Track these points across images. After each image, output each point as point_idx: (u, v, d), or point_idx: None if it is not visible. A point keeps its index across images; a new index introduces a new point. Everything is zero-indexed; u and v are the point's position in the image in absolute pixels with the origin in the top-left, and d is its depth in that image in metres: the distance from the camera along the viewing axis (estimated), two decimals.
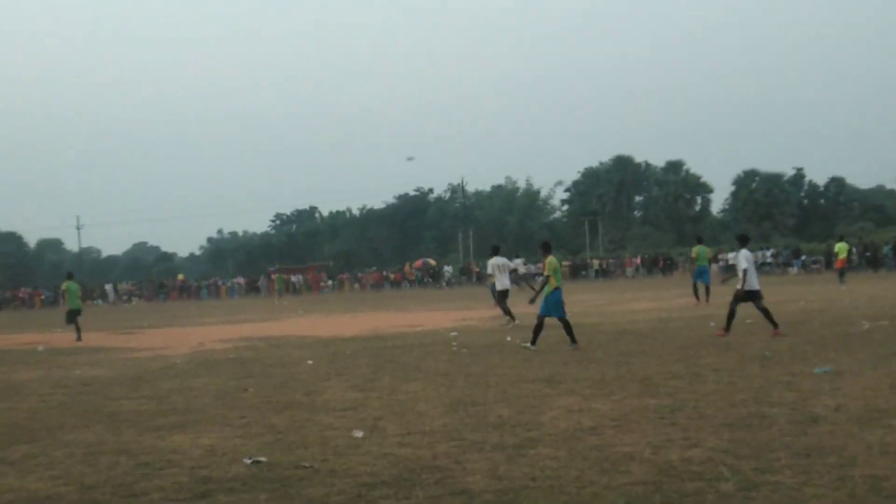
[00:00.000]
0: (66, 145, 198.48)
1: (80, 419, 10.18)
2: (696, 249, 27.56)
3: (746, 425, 7.89)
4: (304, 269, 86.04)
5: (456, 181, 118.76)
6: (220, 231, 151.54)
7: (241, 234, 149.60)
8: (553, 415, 8.86)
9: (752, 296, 16.41)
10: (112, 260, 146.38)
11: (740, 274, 16.45)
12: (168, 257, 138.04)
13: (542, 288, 16.08)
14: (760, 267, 64.00)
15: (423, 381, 12.07)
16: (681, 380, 10.87)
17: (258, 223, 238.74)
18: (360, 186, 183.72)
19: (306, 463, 7.16)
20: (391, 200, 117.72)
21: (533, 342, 15.64)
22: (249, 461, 7.32)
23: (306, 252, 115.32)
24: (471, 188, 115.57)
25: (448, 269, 76.00)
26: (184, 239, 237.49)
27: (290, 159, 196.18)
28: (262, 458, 7.38)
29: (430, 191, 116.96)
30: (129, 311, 51.59)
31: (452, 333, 19.75)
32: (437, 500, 5.85)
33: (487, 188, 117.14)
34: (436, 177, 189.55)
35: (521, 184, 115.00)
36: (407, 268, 77.99)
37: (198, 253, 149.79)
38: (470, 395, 10.46)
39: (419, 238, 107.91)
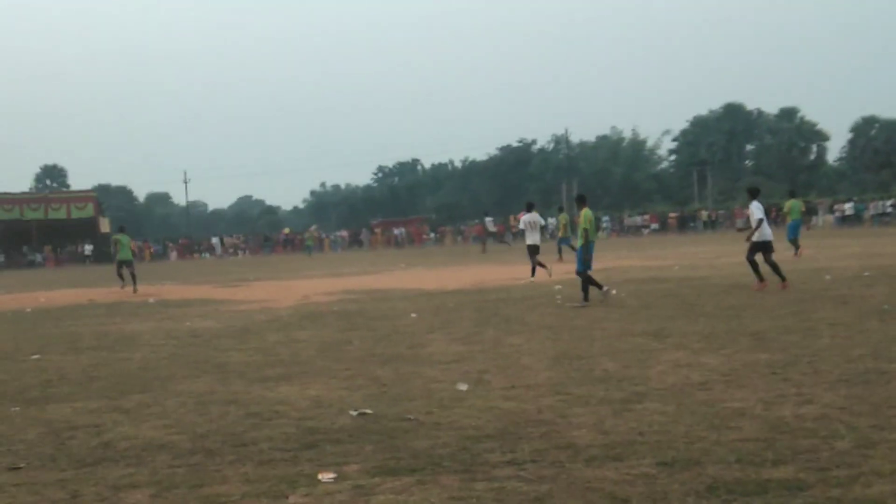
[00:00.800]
0: (174, 100, 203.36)
1: (190, 370, 10.52)
2: (789, 203, 27.70)
3: (864, 381, 7.68)
4: (406, 222, 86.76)
5: (560, 132, 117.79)
6: (322, 184, 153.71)
7: (343, 187, 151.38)
8: (660, 369, 8.78)
9: (765, 247, 16.60)
10: (218, 213, 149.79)
11: (754, 224, 16.58)
12: (272, 210, 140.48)
13: (586, 242, 16.02)
14: (880, 217, 61.88)
15: (528, 334, 12.09)
16: (794, 334, 10.64)
17: (360, 176, 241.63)
18: (462, 138, 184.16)
19: (411, 415, 7.26)
20: (494, 152, 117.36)
21: (585, 298, 15.78)
22: (355, 413, 7.45)
23: (408, 205, 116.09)
24: (575, 139, 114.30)
25: (552, 221, 75.51)
26: (288, 192, 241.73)
27: (392, 112, 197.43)
28: (368, 410, 7.50)
29: (534, 142, 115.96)
30: (235, 264, 52.85)
31: (557, 287, 19.69)
32: (543, 454, 5.87)
33: (592, 139, 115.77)
34: (539, 128, 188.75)
35: (627, 134, 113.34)
36: (512, 220, 77.86)
37: (301, 206, 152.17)
38: (575, 349, 10.44)
39: (522, 190, 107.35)
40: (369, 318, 15.46)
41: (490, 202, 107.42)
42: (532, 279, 22.48)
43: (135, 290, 26.09)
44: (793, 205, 27.43)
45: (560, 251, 33.49)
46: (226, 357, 11.46)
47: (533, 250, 23.24)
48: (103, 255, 74.47)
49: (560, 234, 33.40)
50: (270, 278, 32.37)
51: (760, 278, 16.43)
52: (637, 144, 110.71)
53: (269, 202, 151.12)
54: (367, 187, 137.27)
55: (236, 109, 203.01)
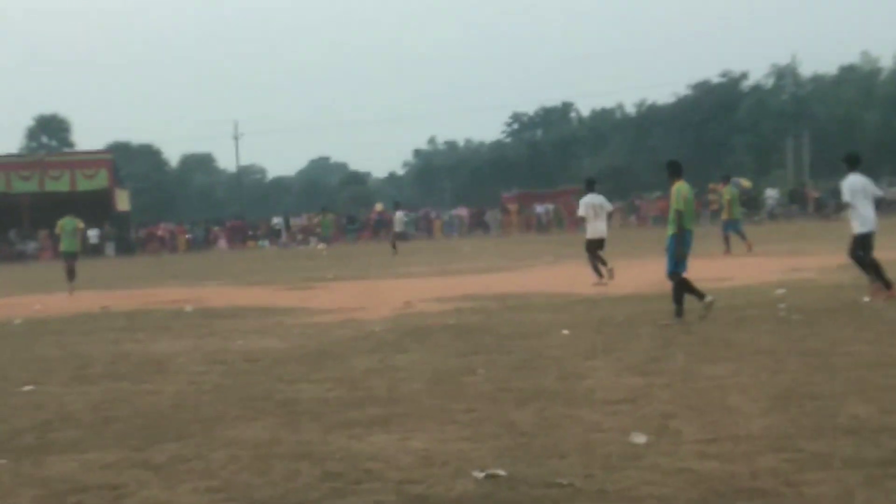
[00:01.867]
0: (219, 28, 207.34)
1: (244, 409, 10.70)
2: None
3: None
4: (554, 195, 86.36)
5: (783, 61, 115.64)
6: (431, 140, 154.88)
7: (462, 143, 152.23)
8: None
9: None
10: (281, 183, 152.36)
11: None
12: (359, 178, 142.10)
13: (679, 230, 16.21)
14: None
15: (736, 361, 11.96)
16: None
17: (487, 128, 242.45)
18: (636, 72, 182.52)
19: (563, 479, 7.24)
20: (683, 92, 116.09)
21: (678, 312, 16.02)
22: (481, 475, 7.48)
23: (557, 169, 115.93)
24: (805, 71, 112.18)
25: (771, 193, 74.51)
26: (381, 152, 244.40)
27: (532, 35, 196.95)
28: (500, 471, 7.52)
29: (744, 76, 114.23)
30: (305, 257, 53.56)
31: (779, 291, 19.40)
32: None
33: (832, 71, 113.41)
34: (752, 55, 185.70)
35: (887, 63, 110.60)
36: (710, 192, 77.02)
37: (400, 172, 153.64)
38: (806, 384, 10.28)
39: (726, 147, 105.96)
40: (501, 337, 15.50)
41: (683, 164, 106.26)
42: (600, 281, 24.07)
43: (70, 292, 27.57)
44: None
45: (727, 239, 33.62)
46: (294, 391, 11.64)
47: (593, 246, 24.52)
48: (121, 243, 76.48)
49: (724, 216, 33.93)
50: (357, 277, 32.74)
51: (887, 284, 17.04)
52: None
53: (353, 166, 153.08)
54: (497, 144, 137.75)
55: (307, 39, 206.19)
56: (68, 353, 16.37)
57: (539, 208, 79.94)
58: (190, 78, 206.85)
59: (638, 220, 75.88)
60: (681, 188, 16.37)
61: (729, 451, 7.83)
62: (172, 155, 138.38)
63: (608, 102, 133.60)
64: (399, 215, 55.61)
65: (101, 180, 78.33)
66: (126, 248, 76.63)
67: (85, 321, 21.80)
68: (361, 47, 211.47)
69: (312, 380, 12.39)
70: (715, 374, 11.21)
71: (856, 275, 21.73)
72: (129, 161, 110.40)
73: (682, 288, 16.23)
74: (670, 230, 16.36)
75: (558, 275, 28.40)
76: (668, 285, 22.04)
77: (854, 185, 17.66)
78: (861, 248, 17.74)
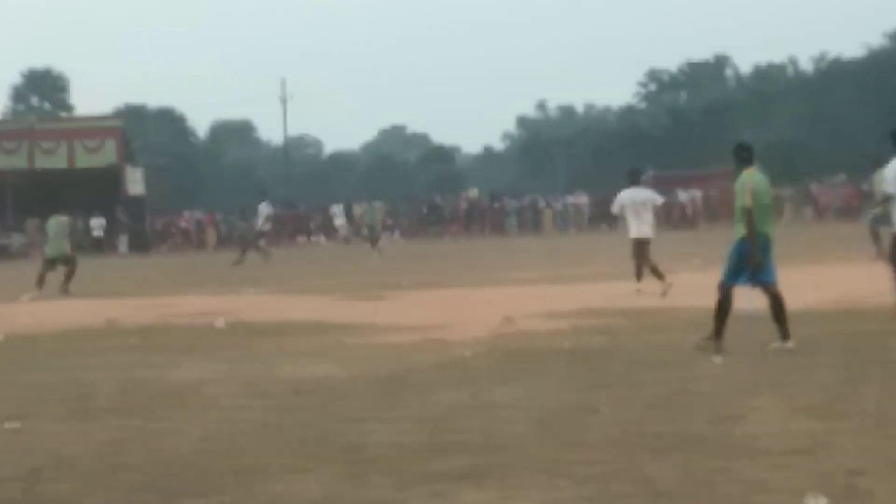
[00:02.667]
0: None
1: (294, 456, 10.75)
2: None
3: None
4: (703, 178, 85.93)
5: None
6: (541, 106, 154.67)
7: (581, 109, 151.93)
8: None
9: None
10: (343, 159, 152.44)
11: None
12: (444, 154, 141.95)
13: (751, 232, 16.46)
14: None
15: None
16: None
17: (614, 89, 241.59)
18: (814, 17, 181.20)
19: None
20: (878, 42, 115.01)
21: (718, 334, 16.60)
22: None
23: (707, 143, 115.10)
24: None
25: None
26: (473, 121, 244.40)
27: None
28: None
29: None
30: (372, 256, 53.73)
31: None
32: None
33: None
34: None
35: None
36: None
37: (499, 147, 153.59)
38: None
39: None
40: (631, 365, 15.50)
41: (871, 138, 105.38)
42: (639, 288, 26.09)
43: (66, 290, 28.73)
44: None
45: (876, 238, 32.92)
46: (359, 433, 11.68)
47: (640, 246, 26.24)
48: (134, 237, 76.84)
49: (875, 210, 33.32)
50: (441, 284, 32.79)
51: None
52: None
53: (436, 139, 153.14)
54: (628, 111, 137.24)
55: None
56: (64, 379, 16.53)
57: (683, 195, 79.65)
58: (224, 22, 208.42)
59: (816, 214, 75.28)
60: (749, 178, 16.62)
61: None
62: (201, 122, 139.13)
63: (776, 56, 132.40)
64: (263, 207, 55.76)
65: (107, 155, 78.65)
66: (140, 243, 76.76)
67: (86, 338, 22.02)
68: None
69: (383, 419, 12.44)
70: None
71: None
72: (145, 130, 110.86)
73: (779, 306, 16.72)
74: (737, 233, 16.71)
75: (708, 283, 28.13)
76: (855, 301, 21.97)
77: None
78: None
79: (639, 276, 26.23)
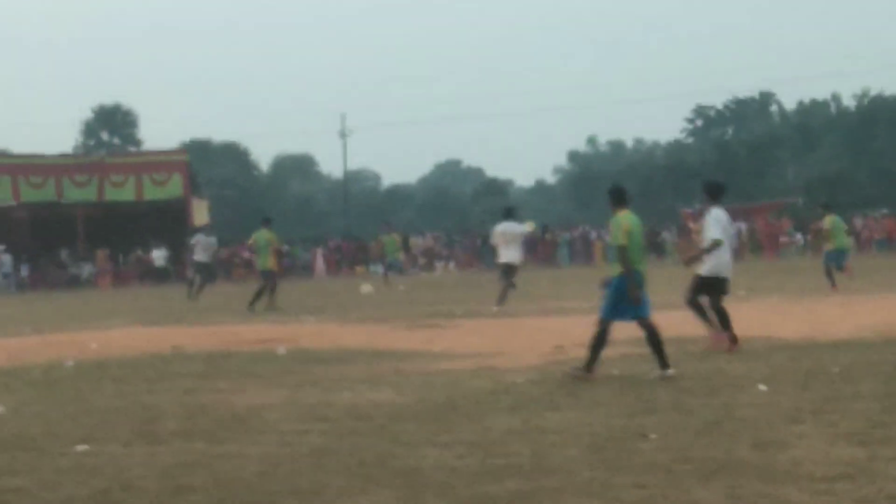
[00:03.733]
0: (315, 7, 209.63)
1: (351, 480, 10.75)
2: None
3: None
4: (749, 210, 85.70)
5: None
6: (591, 141, 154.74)
7: (630, 145, 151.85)
8: None
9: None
10: (400, 192, 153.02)
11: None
12: (498, 187, 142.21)
13: (628, 270, 17.46)
14: None
15: None
16: None
17: (662, 125, 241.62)
18: (856, 55, 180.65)
19: None
20: None
21: (591, 363, 17.48)
22: None
23: (752, 176, 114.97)
24: None
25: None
26: (526, 156, 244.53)
27: (719, 15, 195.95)
28: None
29: None
30: (428, 286, 53.76)
31: None
32: None
33: None
34: None
35: None
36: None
37: (551, 180, 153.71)
38: None
39: None
40: (679, 391, 15.45)
41: None
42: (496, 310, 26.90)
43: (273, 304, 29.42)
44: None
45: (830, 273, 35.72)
46: (415, 457, 11.67)
47: (507, 269, 28.43)
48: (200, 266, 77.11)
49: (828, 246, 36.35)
50: (492, 314, 32.77)
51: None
52: None
53: (491, 172, 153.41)
54: (676, 146, 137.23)
55: (431, 17, 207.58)
56: (131, 404, 16.60)
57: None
58: (286, 60, 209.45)
59: (859, 245, 74.91)
60: (623, 219, 17.46)
61: None
62: (263, 156, 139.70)
63: (820, 93, 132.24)
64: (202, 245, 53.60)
65: (174, 187, 78.88)
66: (205, 273, 76.88)
67: (152, 364, 22.06)
68: (500, 20, 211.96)
69: (438, 443, 12.43)
70: None
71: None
72: (210, 163, 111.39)
73: (655, 338, 17.49)
74: (614, 271, 17.55)
75: (754, 313, 28.15)
76: (875, 329, 21.90)
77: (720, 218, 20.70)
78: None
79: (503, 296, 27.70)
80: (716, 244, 20.28)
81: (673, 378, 16.69)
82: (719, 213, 20.54)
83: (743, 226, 79.36)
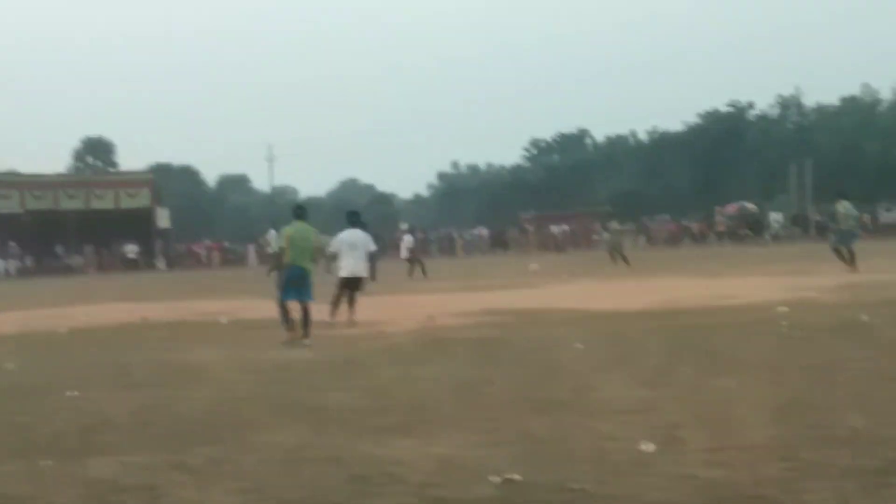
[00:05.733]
0: (253, 55, 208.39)
1: (275, 415, 10.72)
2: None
3: None
4: (570, 217, 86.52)
5: (787, 91, 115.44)
6: (454, 164, 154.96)
7: (483, 167, 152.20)
8: None
9: None
10: (313, 203, 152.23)
11: None
12: (385, 199, 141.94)
13: (284, 267, 18.64)
14: None
15: (740, 375, 11.91)
16: None
17: (507, 153, 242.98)
18: (648, 102, 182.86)
19: (575, 484, 7.24)
20: (693, 121, 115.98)
21: (291, 330, 18.08)
22: (498, 479, 7.47)
23: (572, 192, 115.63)
24: (809, 101, 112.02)
25: (776, 217, 74.39)
26: (406, 175, 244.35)
27: (550, 66, 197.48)
28: (516, 476, 7.52)
29: (750, 106, 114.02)
30: (334, 274, 53.56)
31: (781, 309, 19.35)
32: None
33: (834, 101, 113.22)
34: (758, 87, 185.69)
35: (886, 95, 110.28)
36: (717, 215, 76.93)
37: (425, 194, 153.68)
38: (808, 397, 10.26)
39: (733, 173, 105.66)
40: (518, 350, 15.49)
41: (688, 189, 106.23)
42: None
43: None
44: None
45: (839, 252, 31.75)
46: (323, 399, 11.65)
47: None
48: (167, 257, 77.00)
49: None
50: (381, 293, 32.76)
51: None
52: None
53: (380, 188, 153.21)
54: (517, 168, 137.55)
55: (337, 65, 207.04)
56: (110, 361, 16.42)
57: (556, 229, 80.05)
58: (227, 102, 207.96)
59: (648, 242, 75.78)
60: (288, 229, 18.44)
61: (733, 459, 7.81)
62: (210, 176, 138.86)
63: (622, 129, 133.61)
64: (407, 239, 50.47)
65: (143, 199, 79.40)
66: (167, 262, 77.26)
67: (126, 331, 21.89)
68: (388, 60, 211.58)
69: (341, 388, 12.40)
70: (720, 386, 11.19)
71: (855, 293, 21.78)
72: (170, 181, 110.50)
73: (307, 317, 18.13)
74: (286, 265, 18.46)
75: (573, 292, 28.37)
76: (673, 302, 22.15)
77: (345, 238, 21.75)
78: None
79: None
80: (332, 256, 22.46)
81: (308, 346, 17.33)
82: (350, 233, 21.87)
83: (566, 227, 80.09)
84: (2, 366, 16.06)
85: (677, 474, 7.42)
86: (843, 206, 31.79)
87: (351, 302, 21.74)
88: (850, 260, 30.40)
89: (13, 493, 7.83)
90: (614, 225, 49.63)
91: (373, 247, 23.59)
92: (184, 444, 9.31)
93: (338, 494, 7.31)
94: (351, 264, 21.88)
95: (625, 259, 41.93)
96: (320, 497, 7.25)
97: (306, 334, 17.92)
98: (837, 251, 30.87)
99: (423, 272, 42.95)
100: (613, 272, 38.55)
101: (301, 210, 18.83)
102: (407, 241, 48.20)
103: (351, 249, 21.96)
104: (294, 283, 18.15)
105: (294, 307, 18.28)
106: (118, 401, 12.13)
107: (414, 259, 44.96)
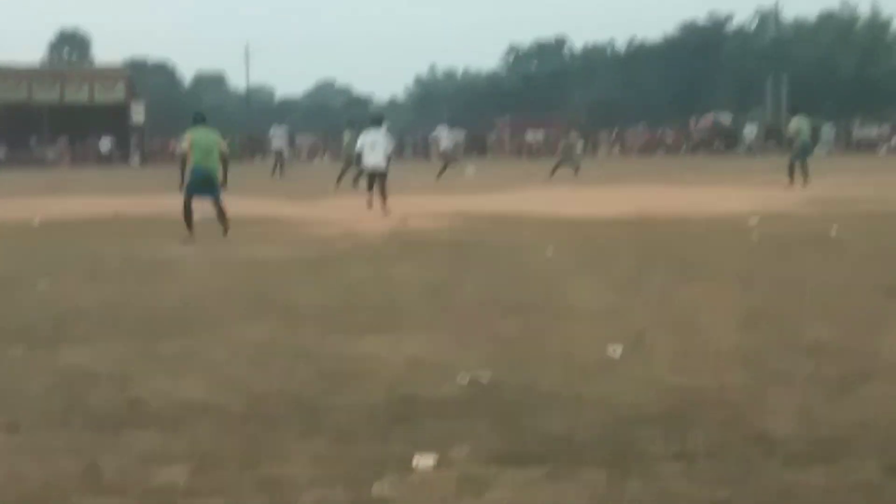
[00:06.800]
0: None
1: (246, 310, 10.74)
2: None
3: None
4: (546, 124, 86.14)
5: (766, 5, 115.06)
6: (431, 68, 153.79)
7: (460, 73, 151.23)
8: None
9: None
10: (289, 104, 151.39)
11: None
12: (361, 102, 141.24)
13: (184, 165, 18.89)
14: None
15: (709, 282, 12.00)
16: None
17: (485, 58, 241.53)
18: (627, 11, 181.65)
19: (542, 385, 7.29)
20: (671, 32, 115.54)
21: (189, 228, 18.17)
22: (466, 379, 7.53)
23: (550, 100, 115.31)
24: (788, 15, 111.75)
25: (750, 129, 74.36)
26: (383, 78, 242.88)
27: None
28: (484, 376, 7.57)
29: (728, 19, 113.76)
30: (309, 173, 53.47)
31: (752, 220, 19.43)
32: (724, 448, 5.83)
33: (812, 17, 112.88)
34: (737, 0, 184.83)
35: (864, 10, 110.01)
36: (691, 126, 76.88)
37: (401, 98, 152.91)
38: (775, 307, 10.33)
39: (709, 85, 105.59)
40: (489, 253, 15.53)
41: (664, 100, 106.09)
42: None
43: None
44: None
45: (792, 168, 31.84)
46: (294, 296, 11.67)
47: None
48: (141, 153, 76.48)
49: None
50: (356, 194, 32.70)
51: None
52: (877, 27, 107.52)
53: (357, 90, 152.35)
54: (494, 75, 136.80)
55: None
56: (82, 253, 16.45)
57: (531, 135, 79.87)
58: None
59: (622, 151, 75.74)
60: (189, 132, 18.72)
61: (699, 365, 7.87)
62: (186, 73, 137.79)
63: (600, 38, 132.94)
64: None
65: (118, 93, 78.60)
66: (141, 158, 76.66)
67: (98, 225, 21.87)
68: None
69: (312, 286, 12.43)
70: (689, 293, 11.26)
71: (825, 208, 21.90)
72: (145, 77, 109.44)
73: (222, 213, 18.59)
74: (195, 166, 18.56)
75: (546, 198, 28.38)
76: (646, 210, 22.22)
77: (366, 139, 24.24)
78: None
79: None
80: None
81: (227, 240, 17.93)
82: (370, 134, 24.36)
83: (541, 134, 79.95)
84: None
85: (644, 378, 7.47)
86: (796, 122, 32.13)
87: (382, 196, 23.65)
88: (802, 174, 30.49)
89: None
90: (573, 136, 49.48)
91: (392, 145, 26.30)
92: (155, 336, 9.34)
93: (307, 389, 7.34)
94: (372, 160, 24.29)
95: (576, 168, 41.45)
96: (290, 391, 7.27)
97: (225, 229, 18.36)
98: (791, 166, 30.87)
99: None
100: (588, 178, 38.53)
101: (200, 115, 19.40)
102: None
103: (371, 148, 24.33)
104: (198, 183, 18.43)
105: (203, 207, 18.86)
106: (89, 292, 12.15)
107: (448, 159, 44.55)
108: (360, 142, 24.96)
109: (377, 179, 24.06)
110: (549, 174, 39.39)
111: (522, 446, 5.90)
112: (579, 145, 50.20)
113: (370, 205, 23.78)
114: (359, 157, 25.48)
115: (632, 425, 6.29)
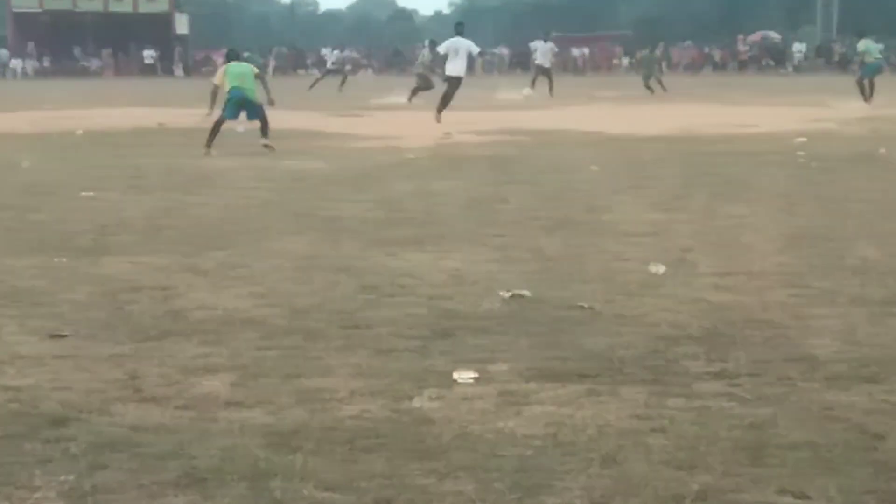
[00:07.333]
0: None
1: (289, 223, 10.79)
2: None
3: None
4: (591, 40, 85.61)
5: None
6: None
7: None
8: None
9: None
10: (332, 16, 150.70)
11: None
12: (406, 15, 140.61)
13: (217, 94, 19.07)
14: None
15: (754, 202, 11.91)
16: None
17: None
18: None
19: (584, 303, 7.27)
20: None
21: (209, 143, 18.16)
22: (507, 294, 7.52)
23: (595, 16, 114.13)
24: None
25: (799, 47, 73.49)
26: None
27: None
28: (525, 292, 7.56)
29: None
30: (353, 87, 53.34)
31: (799, 139, 19.26)
32: (766, 367, 5.81)
33: None
34: None
35: None
36: (739, 43, 75.95)
37: (446, 12, 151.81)
38: (820, 227, 10.26)
39: (758, 3, 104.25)
40: (533, 169, 15.50)
41: (713, 17, 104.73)
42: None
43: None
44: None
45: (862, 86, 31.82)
46: (337, 209, 11.70)
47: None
48: (185, 64, 76.46)
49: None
50: (399, 108, 32.65)
51: None
52: None
53: (401, 3, 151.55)
54: None
55: None
56: (125, 164, 16.55)
57: (576, 52, 79.31)
58: None
59: (669, 68, 75.08)
60: (225, 66, 19.35)
61: (741, 284, 7.85)
62: None
63: None
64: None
65: (162, 4, 78.91)
66: (184, 69, 76.66)
67: (142, 136, 22.00)
68: None
69: (354, 200, 12.46)
70: (733, 213, 11.19)
71: (874, 126, 21.67)
72: None
73: (265, 126, 18.70)
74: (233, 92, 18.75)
75: (591, 115, 28.24)
76: (691, 128, 22.11)
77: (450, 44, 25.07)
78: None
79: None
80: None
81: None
82: (454, 41, 25.52)
83: (587, 50, 79.35)
84: (18, 163, 16.15)
85: (685, 297, 7.45)
86: (864, 45, 32.24)
87: (443, 102, 25.13)
88: (868, 93, 30.45)
89: (28, 286, 7.93)
90: (644, 52, 49.02)
91: (476, 50, 28.28)
92: (197, 248, 9.38)
93: (348, 303, 7.36)
94: (456, 66, 25.49)
95: (661, 84, 41.40)
96: (330, 305, 7.30)
97: (266, 139, 18.56)
98: (860, 84, 30.78)
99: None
100: (633, 96, 38.28)
101: (234, 52, 20.51)
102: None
103: (455, 54, 25.42)
104: (236, 105, 18.64)
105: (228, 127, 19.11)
106: (132, 203, 12.25)
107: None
108: (444, 47, 26.07)
109: (450, 83, 25.18)
110: (646, 89, 40.75)
111: (563, 363, 5.90)
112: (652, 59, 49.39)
113: (440, 119, 24.26)
114: (443, 59, 26.26)
115: (673, 343, 6.27)
